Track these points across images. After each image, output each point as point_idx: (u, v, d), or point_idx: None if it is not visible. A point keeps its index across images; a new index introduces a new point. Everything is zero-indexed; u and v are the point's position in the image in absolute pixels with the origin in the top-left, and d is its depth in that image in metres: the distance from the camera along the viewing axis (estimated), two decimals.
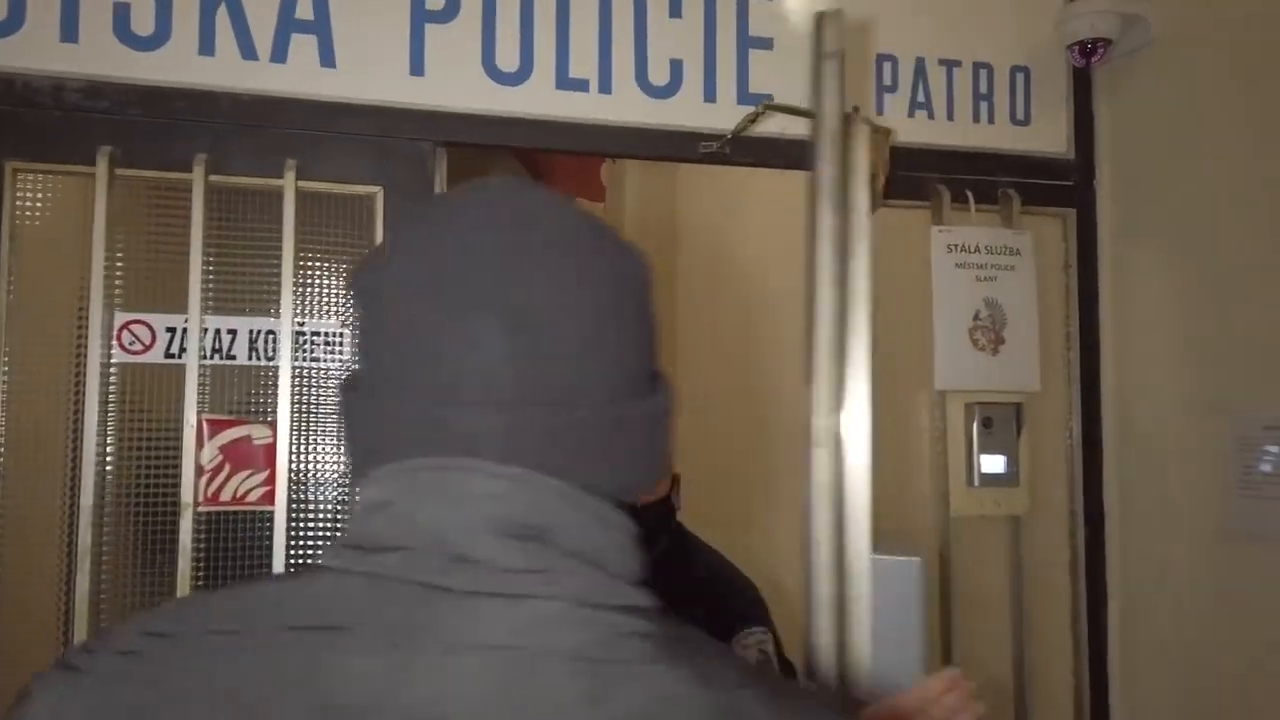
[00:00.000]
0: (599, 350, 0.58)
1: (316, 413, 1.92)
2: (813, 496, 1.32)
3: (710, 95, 2.19)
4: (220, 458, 1.87)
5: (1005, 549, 2.29)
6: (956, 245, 2.24)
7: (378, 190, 1.98)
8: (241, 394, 1.90)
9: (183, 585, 1.78)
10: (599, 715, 0.48)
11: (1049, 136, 2.41)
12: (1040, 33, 2.37)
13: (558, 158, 3.07)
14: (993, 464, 2.18)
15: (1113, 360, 2.36)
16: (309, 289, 1.93)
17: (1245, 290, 2.02)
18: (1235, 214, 2.06)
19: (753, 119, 2.06)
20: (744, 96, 2.20)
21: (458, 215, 0.61)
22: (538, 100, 2.08)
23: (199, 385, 1.84)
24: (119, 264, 1.83)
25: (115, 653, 0.54)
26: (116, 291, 1.83)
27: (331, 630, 0.51)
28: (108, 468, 1.79)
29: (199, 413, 1.83)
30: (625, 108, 2.13)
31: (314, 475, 1.92)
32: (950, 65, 2.35)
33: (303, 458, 1.90)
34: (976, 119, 2.36)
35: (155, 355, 1.85)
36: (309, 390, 1.92)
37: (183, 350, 1.86)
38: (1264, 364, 1.98)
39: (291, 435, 1.87)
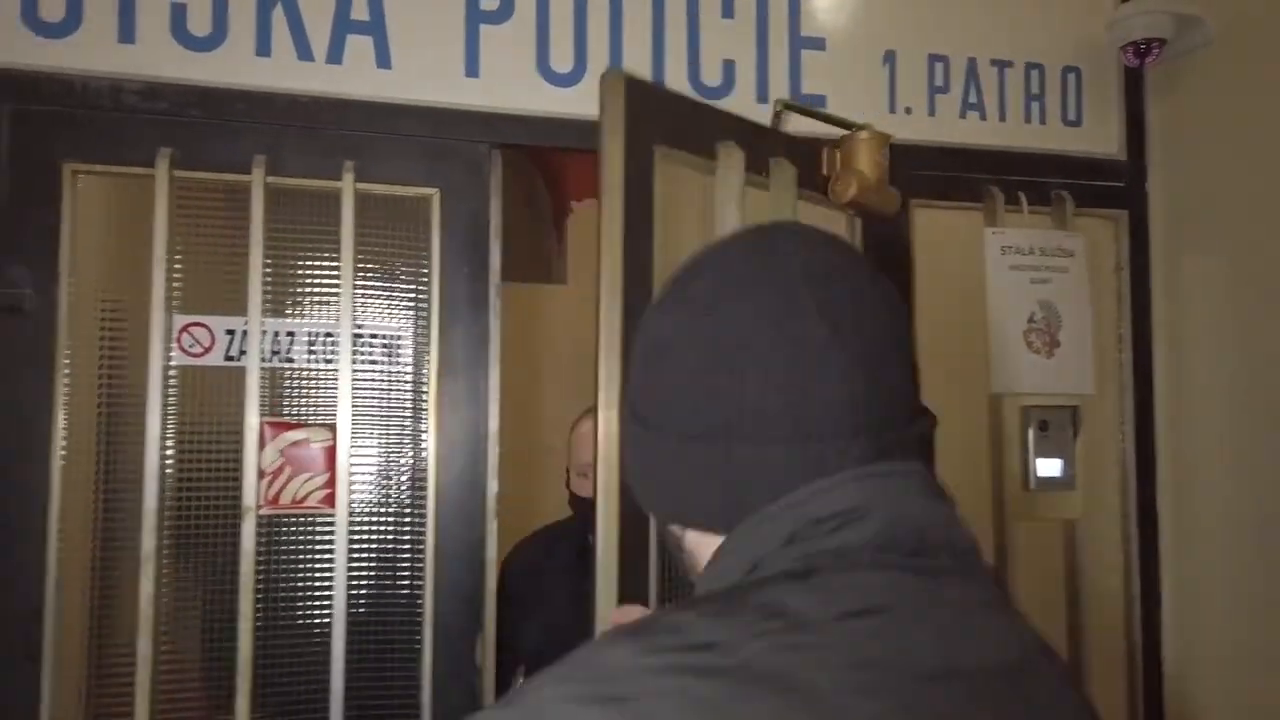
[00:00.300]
0: (911, 376, 0.69)
1: (374, 416, 1.91)
2: None
3: (763, 95, 2.18)
4: (281, 460, 1.86)
5: (1058, 552, 2.27)
6: (1010, 247, 2.22)
7: (434, 192, 1.97)
8: (299, 397, 1.89)
9: (245, 591, 1.77)
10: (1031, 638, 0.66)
11: (1100, 137, 2.39)
12: (1092, 33, 2.35)
13: (570, 158, 3.01)
14: (1049, 467, 2.16)
15: (1165, 363, 2.34)
16: (367, 292, 1.92)
17: None
18: None
19: (775, 119, 2.03)
20: (796, 97, 2.19)
21: (782, 266, 0.66)
22: (592, 101, 2.06)
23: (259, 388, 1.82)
24: (177, 266, 1.82)
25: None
26: (175, 293, 1.81)
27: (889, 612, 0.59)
28: (167, 471, 1.78)
29: (260, 416, 1.82)
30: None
31: (373, 478, 1.90)
32: (1002, 66, 2.34)
33: (361, 460, 1.89)
34: (1028, 120, 2.35)
35: (215, 358, 1.84)
36: (368, 393, 1.90)
37: (242, 353, 1.85)
38: None
39: (352, 438, 1.86)
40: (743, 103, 2.15)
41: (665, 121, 1.80)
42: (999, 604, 0.65)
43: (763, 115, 2.14)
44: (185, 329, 1.83)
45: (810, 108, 2.11)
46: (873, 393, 0.63)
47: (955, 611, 0.61)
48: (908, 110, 2.26)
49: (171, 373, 1.81)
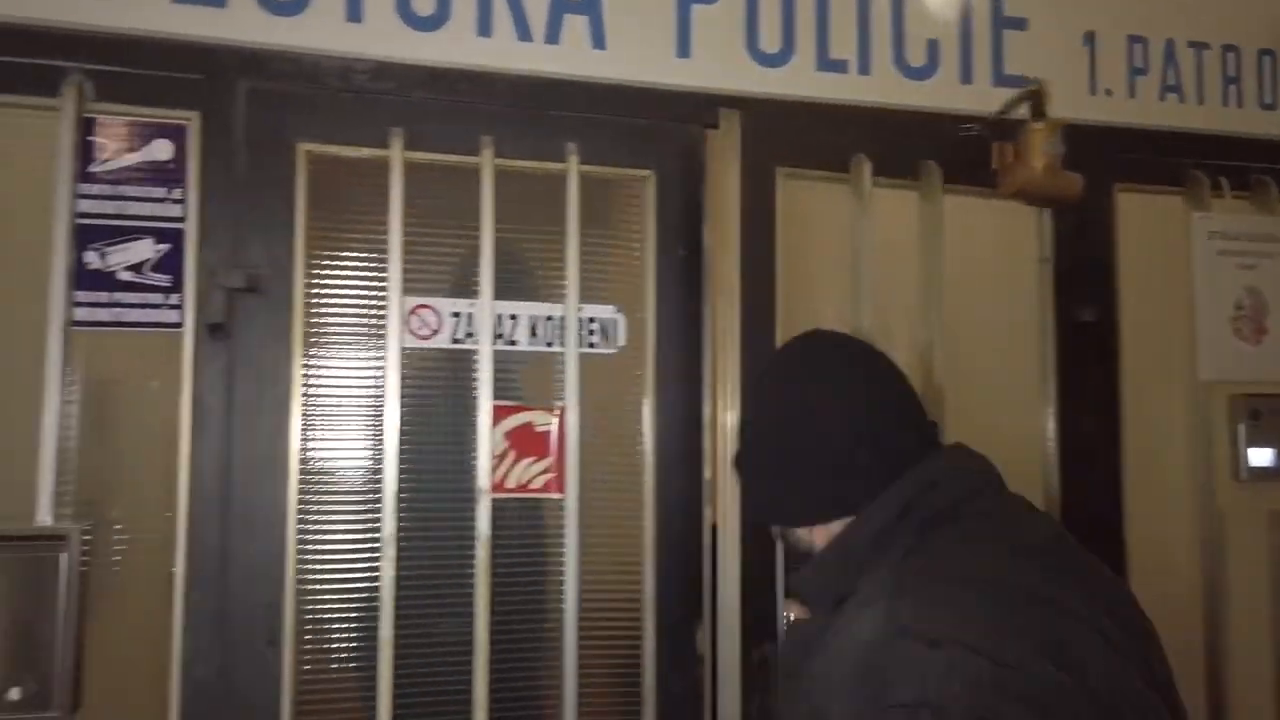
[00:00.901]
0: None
1: (595, 399, 1.89)
2: None
3: (966, 76, 2.14)
4: (505, 444, 1.84)
5: (1264, 543, 2.21)
6: (1218, 233, 2.17)
7: (648, 174, 1.94)
8: (520, 380, 1.87)
9: (481, 574, 1.75)
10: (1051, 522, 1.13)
11: None
12: None
13: None
14: (1261, 457, 2.11)
15: None
16: (588, 273, 1.89)
17: None
18: None
19: (1024, 97, 1.99)
20: (999, 78, 2.15)
21: (837, 346, 1.25)
22: (800, 81, 2.04)
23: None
24: (408, 247, 1.80)
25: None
26: (407, 274, 1.80)
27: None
28: (404, 453, 1.77)
29: (492, 400, 1.80)
30: (883, 89, 2.08)
31: (592, 462, 1.88)
32: (1199, 48, 2.28)
33: (588, 444, 1.86)
34: (1225, 103, 2.29)
35: (442, 340, 1.82)
36: (590, 376, 1.88)
37: (469, 335, 1.83)
38: None
39: (581, 421, 1.84)
40: (947, 83, 2.11)
41: (788, 140, 1.95)
42: (1029, 506, 1.08)
43: (966, 97, 2.11)
44: (414, 311, 1.81)
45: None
46: (918, 408, 1.17)
47: (1020, 516, 1.06)
48: (1108, 92, 2.21)
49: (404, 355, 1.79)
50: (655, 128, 1.95)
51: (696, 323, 1.94)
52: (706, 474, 1.92)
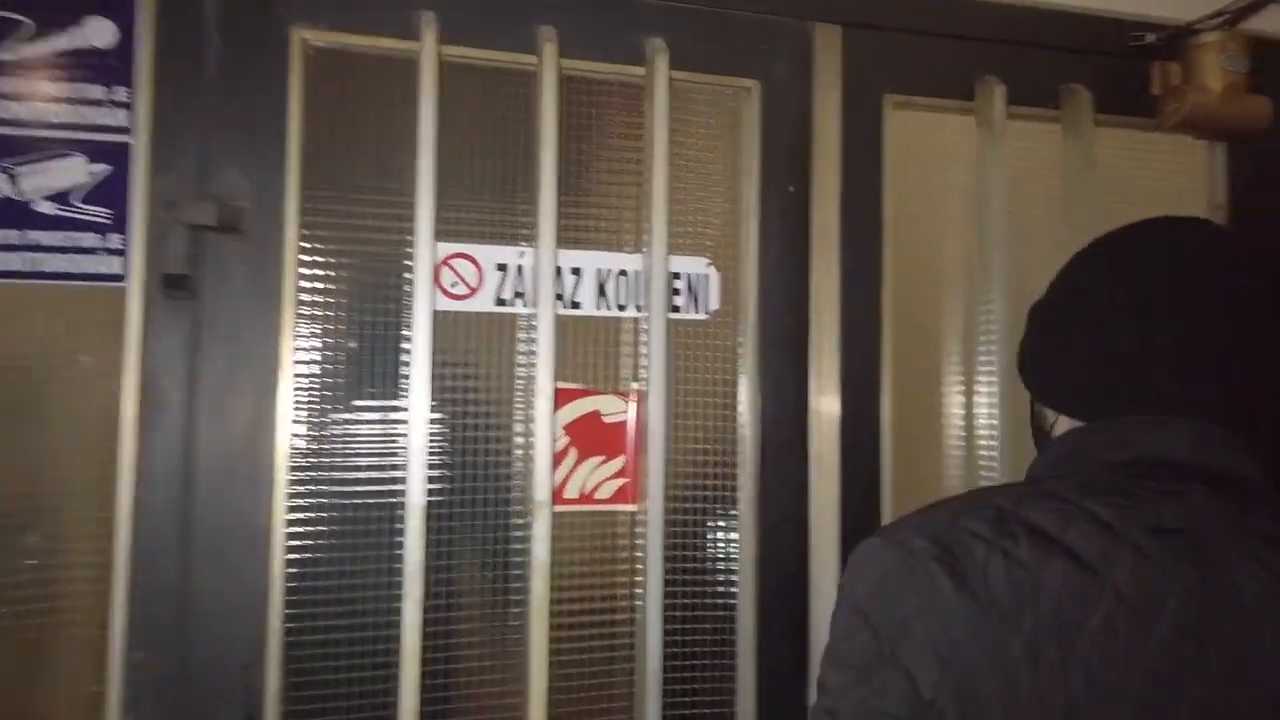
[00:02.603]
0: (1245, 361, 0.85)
1: (684, 379, 1.44)
2: None
3: None
4: (566, 440, 1.39)
5: None
6: None
7: (753, 85, 1.48)
8: (582, 354, 1.42)
9: (537, 617, 1.30)
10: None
11: None
12: None
13: None
14: None
15: None
16: (677, 217, 1.44)
17: None
18: None
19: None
20: None
21: (1170, 251, 0.86)
22: None
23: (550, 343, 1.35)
24: (443, 176, 1.33)
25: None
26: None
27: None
28: (431, 452, 1.31)
29: (554, 381, 1.34)
30: None
31: (684, 461, 1.44)
32: None
33: (679, 439, 1.42)
34: None
35: (483, 300, 1.36)
36: (672, 351, 1.43)
37: (517, 295, 1.37)
38: None
39: (667, 409, 1.39)
40: None
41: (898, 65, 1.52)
42: (1250, 498, 0.77)
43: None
44: (447, 262, 1.35)
45: None
46: (1198, 362, 0.80)
47: (1189, 502, 0.75)
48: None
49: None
50: (761, 22, 1.49)
51: (807, 280, 1.50)
52: (813, 476, 1.49)
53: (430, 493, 1.28)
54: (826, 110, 1.50)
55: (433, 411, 1.30)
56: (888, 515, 1.51)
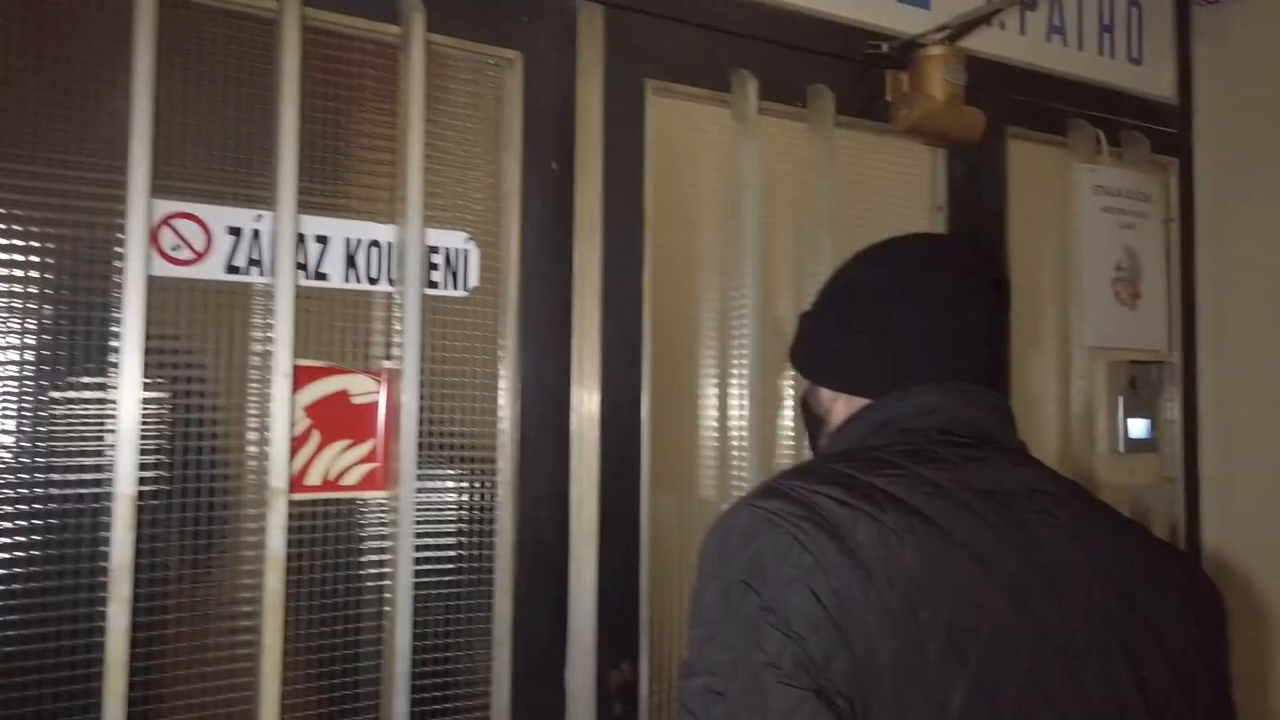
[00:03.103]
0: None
1: (434, 359, 1.37)
2: None
3: None
4: (307, 423, 1.28)
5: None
6: (1102, 188, 2.03)
7: (515, 56, 1.44)
8: (329, 330, 1.32)
9: (271, 614, 1.19)
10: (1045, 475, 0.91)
11: (1156, 80, 2.25)
12: None
13: None
14: (1139, 428, 2.00)
15: (1211, 322, 2.25)
16: (431, 188, 1.37)
17: None
18: None
19: (990, 13, 1.68)
20: None
21: (932, 250, 1.04)
22: None
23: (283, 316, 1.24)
24: (161, 125, 1.18)
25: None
26: (157, 168, 1.18)
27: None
28: (144, 436, 1.16)
29: (294, 358, 1.23)
30: None
31: (439, 445, 1.37)
32: None
33: (424, 421, 1.35)
34: (1101, 51, 2.16)
35: (211, 268, 1.23)
36: (429, 329, 1.36)
37: (252, 263, 1.25)
38: None
39: (422, 389, 1.32)
40: None
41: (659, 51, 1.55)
42: (1023, 460, 0.90)
43: (866, 6, 1.80)
44: (165, 222, 1.20)
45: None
46: (963, 338, 0.93)
47: (991, 466, 0.86)
48: (1002, 25, 1.99)
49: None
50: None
51: (570, 260, 1.48)
52: (574, 458, 1.47)
53: (144, 481, 1.14)
54: (589, 89, 1.49)
55: (147, 390, 1.16)
56: (647, 493, 1.52)
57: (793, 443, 1.69)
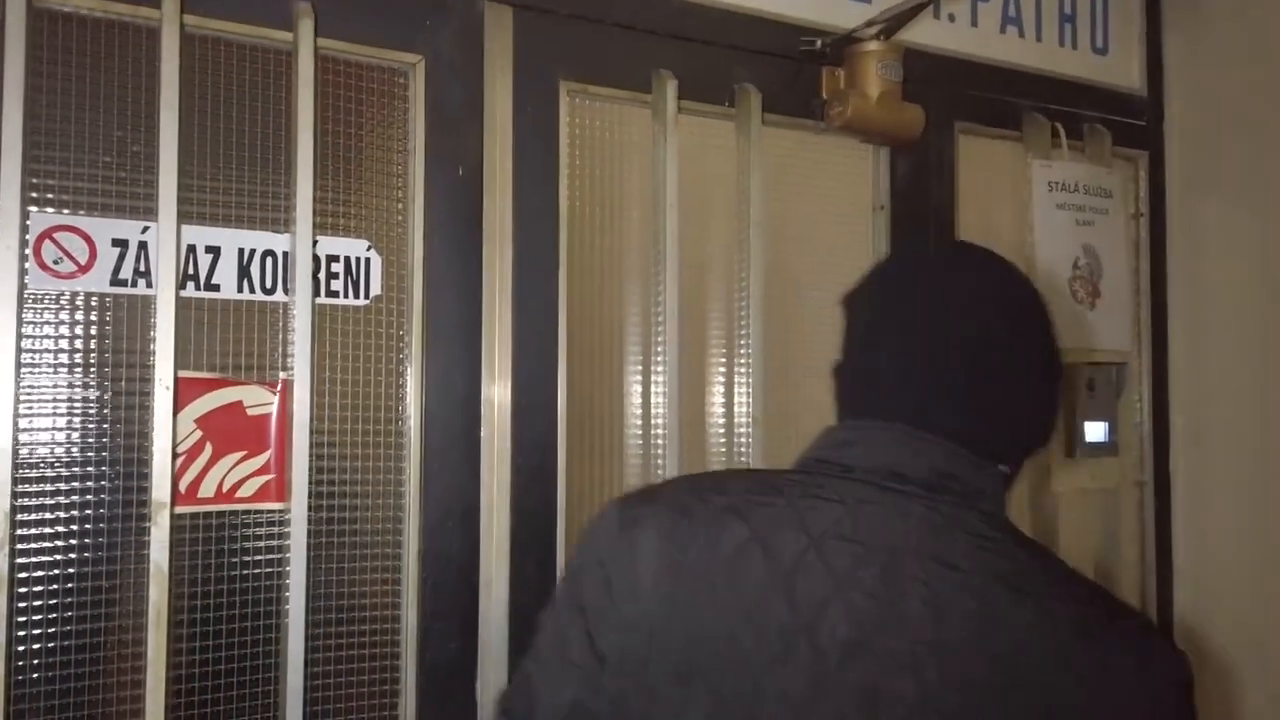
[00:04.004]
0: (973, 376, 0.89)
1: (335, 368, 1.36)
2: None
3: None
4: (198, 435, 1.27)
5: (1098, 528, 2.06)
6: (1058, 183, 1.97)
7: (417, 61, 1.42)
8: (224, 342, 1.31)
9: (155, 628, 1.18)
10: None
11: (1124, 70, 2.18)
12: None
13: None
14: (1095, 431, 1.94)
15: (1182, 320, 2.18)
16: (330, 196, 1.36)
17: None
18: None
19: (913, 10, 1.63)
20: None
21: (897, 277, 0.96)
22: None
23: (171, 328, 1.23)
24: (42, 137, 1.18)
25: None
26: (35, 180, 1.18)
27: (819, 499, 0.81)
28: (20, 450, 1.16)
29: (176, 370, 1.23)
30: None
31: (340, 456, 1.36)
32: None
33: (323, 432, 1.34)
34: (1061, 43, 2.10)
35: (95, 280, 1.22)
36: (332, 337, 1.35)
37: (139, 275, 1.24)
38: None
39: (314, 400, 1.31)
40: None
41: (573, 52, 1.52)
42: (943, 521, 0.78)
43: (802, 3, 1.75)
44: (48, 235, 1.20)
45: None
46: (905, 376, 0.86)
47: (887, 511, 0.79)
48: (951, 18, 1.94)
49: (28, 301, 1.18)
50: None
51: (479, 266, 1.46)
52: (484, 467, 1.45)
53: (19, 494, 1.14)
54: (498, 92, 1.47)
55: (24, 408, 1.15)
56: (563, 506, 1.50)
57: (723, 447, 1.66)
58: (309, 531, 1.29)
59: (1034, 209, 1.95)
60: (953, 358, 0.84)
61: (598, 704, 0.78)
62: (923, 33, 1.86)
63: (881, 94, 1.70)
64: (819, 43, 1.73)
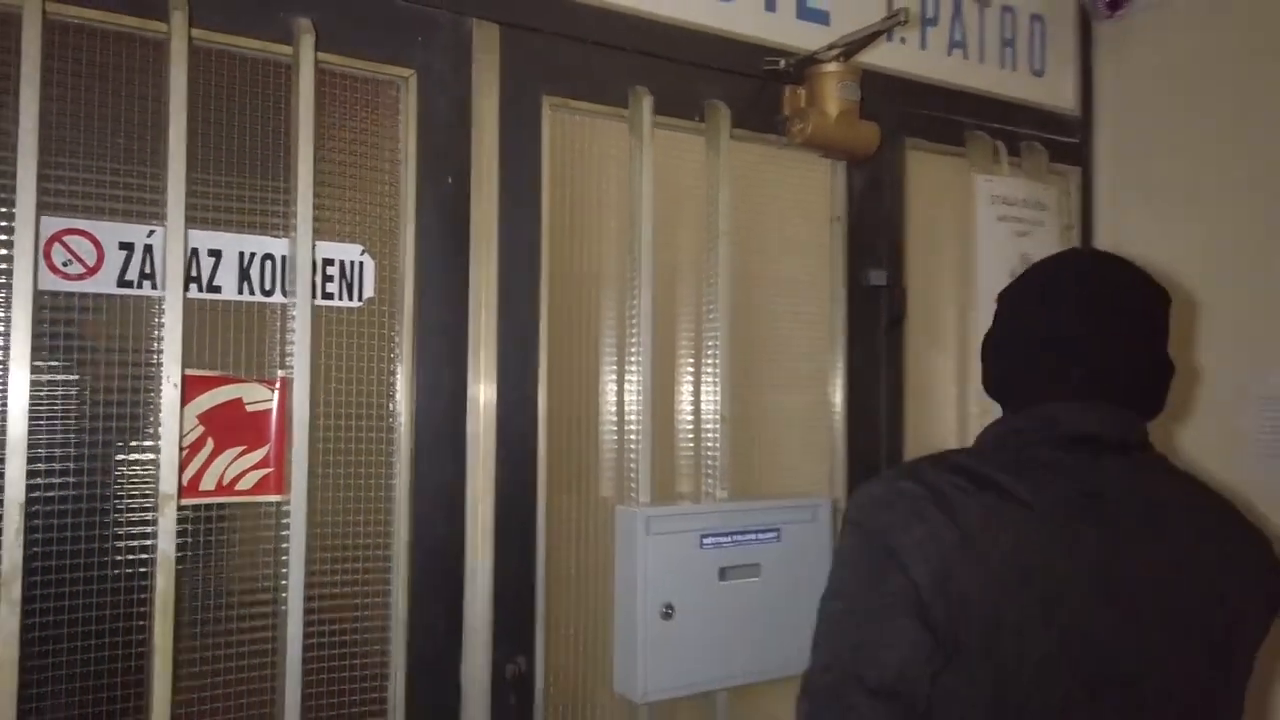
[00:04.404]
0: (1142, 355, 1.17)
1: (330, 367, 1.43)
2: None
3: (770, 4, 1.88)
4: (200, 430, 1.33)
5: None
6: (999, 197, 2.11)
7: (410, 75, 1.49)
8: (224, 341, 1.37)
9: (161, 615, 1.24)
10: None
11: (1059, 91, 2.34)
12: None
13: None
14: None
15: None
16: (327, 202, 1.42)
17: (1242, 259, 2.06)
18: (1227, 187, 2.08)
19: (887, 27, 1.74)
20: (803, 10, 1.92)
21: (1072, 270, 1.19)
22: None
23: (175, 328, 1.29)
24: (52, 144, 1.23)
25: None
26: (46, 185, 1.23)
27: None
28: (33, 446, 1.21)
29: (183, 368, 1.28)
30: (686, 4, 1.77)
31: (334, 450, 1.43)
32: (982, 4, 2.21)
33: (319, 428, 1.40)
34: (1002, 65, 2.24)
35: (103, 282, 1.27)
36: (326, 337, 1.42)
37: (144, 277, 1.29)
38: (1264, 334, 2.03)
39: (312, 397, 1.37)
40: (749, 7, 1.85)
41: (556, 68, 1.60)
42: (1138, 464, 1.09)
43: (766, 24, 1.86)
44: (57, 238, 1.24)
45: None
46: (1095, 359, 1.10)
47: (1099, 465, 1.05)
48: (902, 40, 2.07)
49: (43, 303, 1.22)
50: (419, 13, 1.50)
51: (466, 270, 1.54)
52: (470, 462, 1.53)
53: (32, 488, 1.18)
54: (485, 106, 1.54)
55: (37, 400, 1.20)
56: (543, 498, 1.58)
57: (691, 443, 1.76)
58: (305, 522, 1.36)
59: (977, 220, 2.09)
60: (1144, 347, 1.11)
61: None
62: (877, 54, 1.98)
63: (840, 112, 1.82)
64: (782, 62, 1.83)
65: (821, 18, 1.94)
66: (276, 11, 1.38)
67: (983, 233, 2.09)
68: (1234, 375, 2.08)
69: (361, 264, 1.46)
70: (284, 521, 1.37)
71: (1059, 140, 2.31)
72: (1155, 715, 1.01)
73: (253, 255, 1.37)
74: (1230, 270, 2.10)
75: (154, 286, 1.30)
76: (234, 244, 1.36)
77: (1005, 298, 1.21)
